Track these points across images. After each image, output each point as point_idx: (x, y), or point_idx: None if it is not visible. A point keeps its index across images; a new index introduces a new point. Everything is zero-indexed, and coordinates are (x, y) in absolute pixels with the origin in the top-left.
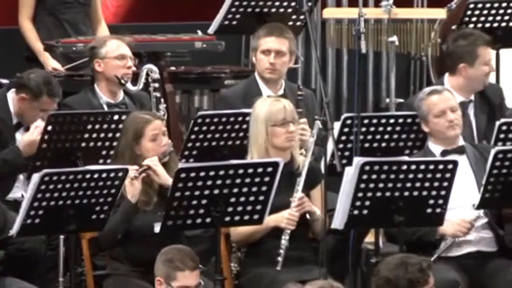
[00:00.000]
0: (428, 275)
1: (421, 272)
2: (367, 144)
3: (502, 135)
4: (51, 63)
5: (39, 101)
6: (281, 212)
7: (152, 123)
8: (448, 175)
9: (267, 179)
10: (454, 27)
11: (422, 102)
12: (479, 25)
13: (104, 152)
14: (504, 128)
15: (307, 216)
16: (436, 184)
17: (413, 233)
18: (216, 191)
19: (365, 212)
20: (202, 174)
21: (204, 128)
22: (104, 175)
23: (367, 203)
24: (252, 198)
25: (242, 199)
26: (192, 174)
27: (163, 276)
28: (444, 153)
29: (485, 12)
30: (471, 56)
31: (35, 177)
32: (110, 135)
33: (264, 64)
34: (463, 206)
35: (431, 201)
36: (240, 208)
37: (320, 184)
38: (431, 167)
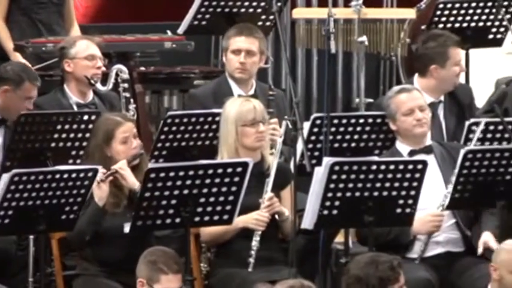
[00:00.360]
0: (399, 273)
1: (392, 270)
2: (336, 144)
3: (471, 135)
4: None
5: (22, 88)
6: (251, 212)
7: (123, 126)
8: (417, 175)
9: (236, 179)
10: (423, 27)
11: (391, 100)
12: (449, 25)
13: (73, 152)
14: (474, 128)
15: (276, 217)
16: (405, 184)
17: (388, 234)
18: (186, 191)
19: (335, 212)
20: (171, 174)
21: (174, 128)
22: (74, 175)
23: (337, 203)
24: (221, 199)
25: (212, 199)
26: (162, 175)
27: (146, 277)
28: (412, 153)
29: (454, 12)
30: (442, 58)
31: (5, 177)
32: (80, 135)
33: (234, 64)
34: (431, 206)
35: (401, 201)
36: (209, 208)
37: (290, 185)
38: (401, 167)
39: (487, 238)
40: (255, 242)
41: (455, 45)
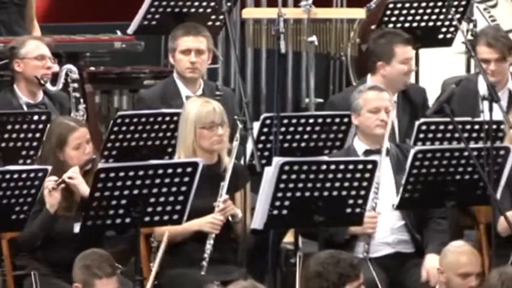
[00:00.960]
0: (359, 271)
1: (352, 267)
2: (286, 144)
3: (421, 135)
4: None
5: None
6: (206, 215)
7: (76, 132)
8: (367, 175)
9: (186, 179)
10: (373, 27)
11: (360, 95)
12: (399, 25)
13: (23, 152)
14: (424, 127)
15: (230, 218)
16: (355, 184)
17: (325, 232)
18: (136, 191)
19: (284, 212)
20: (121, 174)
21: (124, 128)
22: (24, 175)
23: (287, 203)
24: (171, 199)
25: (162, 199)
26: (112, 175)
27: (81, 282)
28: (367, 152)
29: (404, 12)
30: (388, 54)
31: None
32: (30, 135)
33: (185, 64)
34: (383, 207)
35: (351, 201)
36: (159, 208)
37: (245, 186)
38: (351, 166)
39: (430, 264)
40: (208, 246)
41: (402, 43)
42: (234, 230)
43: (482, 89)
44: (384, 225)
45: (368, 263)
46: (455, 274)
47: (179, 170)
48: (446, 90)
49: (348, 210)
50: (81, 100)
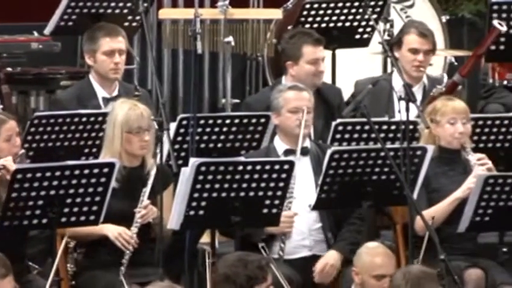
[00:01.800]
0: (267, 272)
1: (260, 269)
2: (203, 145)
3: (338, 136)
4: None
5: None
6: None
7: (7, 124)
8: (284, 175)
9: (103, 179)
10: (290, 27)
11: (280, 94)
12: (315, 25)
13: None
14: (340, 128)
15: (151, 220)
16: (272, 184)
17: (242, 230)
18: (53, 192)
19: (201, 212)
20: (38, 175)
21: (41, 129)
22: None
23: (203, 203)
24: (88, 199)
25: (78, 200)
26: (29, 175)
27: None
28: (287, 152)
29: (321, 12)
30: (296, 54)
31: None
32: None
33: (108, 65)
34: (301, 208)
35: (268, 202)
36: (76, 209)
37: (170, 186)
38: (268, 167)
39: (327, 260)
40: (128, 252)
41: (311, 44)
42: (154, 230)
43: (396, 88)
44: (302, 227)
45: (282, 263)
46: (370, 276)
47: (96, 171)
48: (363, 90)
49: (265, 210)
50: None
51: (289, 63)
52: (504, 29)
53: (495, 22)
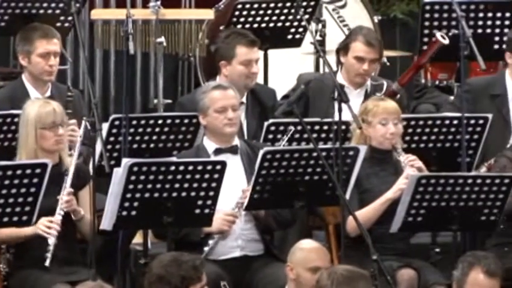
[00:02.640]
0: (201, 272)
1: (194, 269)
2: (135, 145)
3: (270, 136)
4: None
5: None
6: (49, 215)
7: None
8: (216, 176)
9: (35, 180)
10: (222, 27)
11: (205, 95)
12: (247, 25)
13: None
14: (272, 128)
15: (73, 216)
16: (204, 185)
17: (179, 232)
18: None
19: (133, 213)
20: None
21: None
22: None
23: (136, 204)
24: (20, 200)
25: (11, 200)
26: None
27: None
28: (217, 151)
29: (253, 12)
30: (229, 54)
31: None
32: None
33: (43, 67)
34: (233, 206)
35: (200, 202)
36: (8, 209)
37: (88, 185)
38: (200, 167)
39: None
40: (50, 241)
41: (244, 44)
42: (78, 228)
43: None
44: (234, 227)
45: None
46: (305, 269)
47: (28, 171)
48: (296, 91)
49: (197, 211)
50: None
51: (222, 63)
52: (446, 41)
53: (438, 35)
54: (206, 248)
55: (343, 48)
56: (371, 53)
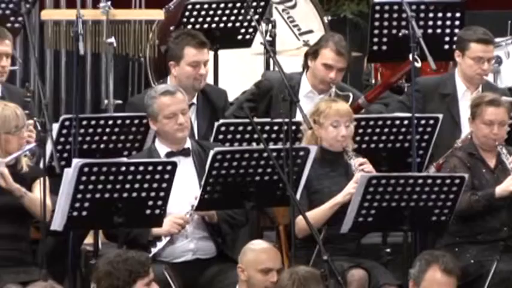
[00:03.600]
0: (148, 267)
1: (141, 264)
2: (86, 146)
3: (220, 136)
4: None
5: None
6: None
7: None
8: (167, 176)
9: None
10: (172, 28)
11: (154, 101)
12: (198, 26)
13: None
14: (223, 128)
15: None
16: (155, 185)
17: (129, 233)
18: None
19: (84, 213)
20: None
21: None
22: None
23: (87, 204)
24: None
25: None
26: None
27: None
28: (169, 154)
29: (203, 13)
30: (178, 55)
31: None
32: None
33: None
34: (185, 209)
35: (151, 203)
36: None
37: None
38: (150, 168)
39: None
40: None
41: (193, 46)
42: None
43: (305, 89)
44: (186, 231)
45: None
46: (256, 270)
47: None
48: (247, 91)
49: (148, 211)
50: None
51: (171, 63)
52: (419, 65)
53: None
54: (154, 249)
55: (312, 53)
56: (340, 61)
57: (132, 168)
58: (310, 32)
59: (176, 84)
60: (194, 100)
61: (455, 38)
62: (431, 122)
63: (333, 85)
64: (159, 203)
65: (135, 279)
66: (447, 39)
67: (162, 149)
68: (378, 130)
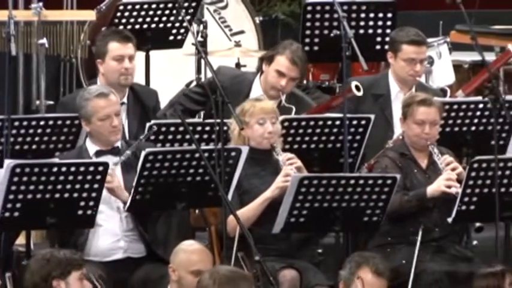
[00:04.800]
0: (81, 259)
1: (74, 255)
2: (17, 147)
3: (152, 137)
4: None
5: None
6: None
7: None
8: (98, 177)
9: None
10: (103, 28)
11: (88, 102)
12: (129, 26)
13: None
14: (154, 129)
15: None
16: (86, 186)
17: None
18: None
19: (16, 214)
20: None
21: None
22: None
23: (19, 205)
24: None
25: None
26: None
27: None
28: (98, 153)
29: (134, 13)
30: (102, 52)
31: None
32: None
33: None
34: (114, 208)
35: (82, 203)
36: None
37: None
38: (82, 169)
39: None
40: None
41: (117, 40)
42: None
43: (256, 92)
44: (116, 228)
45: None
46: (187, 272)
47: None
48: (179, 92)
49: (80, 212)
50: None
51: (98, 61)
52: (360, 93)
53: (352, 85)
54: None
55: (268, 58)
56: (293, 71)
57: (63, 169)
58: (242, 32)
59: (104, 83)
60: (124, 99)
61: (387, 39)
62: (363, 122)
63: (283, 94)
64: (91, 203)
65: (70, 270)
66: (379, 39)
67: (92, 147)
68: (309, 130)
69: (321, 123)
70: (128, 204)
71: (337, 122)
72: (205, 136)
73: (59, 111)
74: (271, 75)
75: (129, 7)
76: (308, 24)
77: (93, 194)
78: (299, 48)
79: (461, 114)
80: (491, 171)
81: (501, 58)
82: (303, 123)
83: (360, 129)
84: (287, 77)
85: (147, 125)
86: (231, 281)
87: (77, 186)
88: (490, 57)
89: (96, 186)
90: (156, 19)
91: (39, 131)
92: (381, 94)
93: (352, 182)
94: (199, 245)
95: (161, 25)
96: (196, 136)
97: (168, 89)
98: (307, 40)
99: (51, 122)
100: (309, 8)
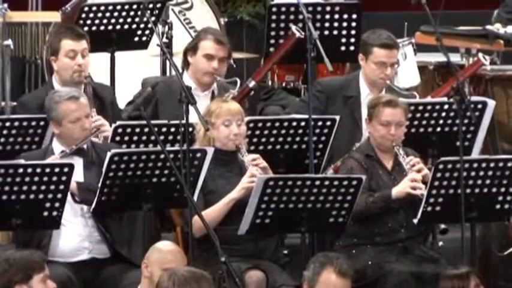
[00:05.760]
0: (43, 261)
1: (36, 259)
2: None
3: (117, 138)
4: None
5: None
6: None
7: None
8: (64, 178)
9: None
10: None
11: (58, 105)
12: (94, 28)
13: None
14: (120, 130)
15: None
16: (52, 187)
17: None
18: None
19: None
20: None
21: None
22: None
23: None
24: None
25: None
26: None
27: None
28: (63, 152)
29: (99, 15)
30: (56, 49)
31: None
32: None
33: None
34: (78, 209)
35: (48, 204)
36: None
37: None
38: (48, 170)
39: None
40: None
41: (70, 37)
42: None
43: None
44: (80, 229)
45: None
46: (160, 269)
47: None
48: (143, 93)
49: (45, 213)
50: None
51: (52, 59)
52: (301, 35)
53: (293, 28)
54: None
55: (191, 49)
56: (220, 50)
57: (29, 170)
58: None
59: (59, 80)
60: None
61: (352, 40)
62: (329, 123)
63: (217, 77)
64: (57, 204)
65: (31, 274)
66: (344, 40)
67: (57, 148)
68: (275, 132)
69: (286, 124)
70: (93, 205)
71: (303, 123)
72: (170, 137)
73: (19, 111)
74: (200, 61)
75: (94, 8)
76: (273, 25)
77: (59, 195)
78: (218, 30)
79: (426, 115)
80: (456, 172)
81: (471, 67)
82: (268, 124)
83: (325, 130)
84: (216, 58)
85: (113, 126)
86: (190, 281)
87: (43, 187)
88: (455, 58)
89: (61, 187)
90: (121, 20)
91: (4, 132)
92: (351, 96)
93: (317, 183)
94: (175, 246)
95: (126, 26)
96: (162, 137)
97: (133, 90)
98: (272, 41)
99: (16, 123)
100: (274, 9)
